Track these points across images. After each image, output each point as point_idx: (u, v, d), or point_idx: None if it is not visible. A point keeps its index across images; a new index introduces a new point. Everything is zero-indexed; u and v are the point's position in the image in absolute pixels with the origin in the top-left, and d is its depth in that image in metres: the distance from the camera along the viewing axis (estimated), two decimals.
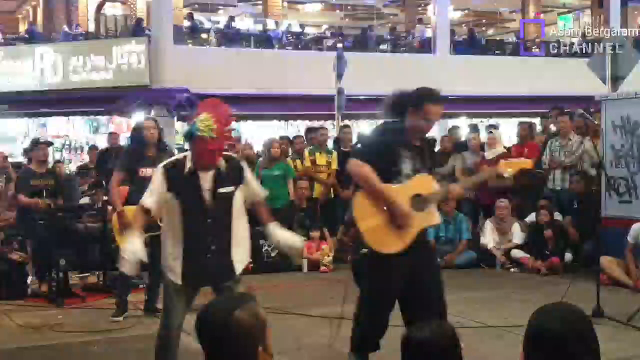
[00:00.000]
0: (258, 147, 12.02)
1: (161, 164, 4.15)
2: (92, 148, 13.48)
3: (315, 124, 16.26)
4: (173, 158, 4.26)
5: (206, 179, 4.04)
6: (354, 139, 11.91)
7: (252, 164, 10.09)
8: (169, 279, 4.09)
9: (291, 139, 11.26)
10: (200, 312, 2.11)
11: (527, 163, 4.75)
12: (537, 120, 11.95)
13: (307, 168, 9.74)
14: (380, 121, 4.45)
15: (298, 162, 9.83)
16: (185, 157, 4.10)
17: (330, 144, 10.71)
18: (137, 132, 6.58)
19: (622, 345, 5.11)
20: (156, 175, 4.10)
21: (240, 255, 4.20)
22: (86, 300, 7.10)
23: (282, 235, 4.40)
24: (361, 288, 4.51)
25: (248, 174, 4.28)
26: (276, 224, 4.42)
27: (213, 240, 4.07)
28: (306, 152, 9.85)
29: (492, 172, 4.86)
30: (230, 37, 18.82)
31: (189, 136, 3.97)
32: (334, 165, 9.79)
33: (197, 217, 4.03)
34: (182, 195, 4.03)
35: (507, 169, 4.56)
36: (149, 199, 4.07)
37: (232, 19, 20.36)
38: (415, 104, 4.19)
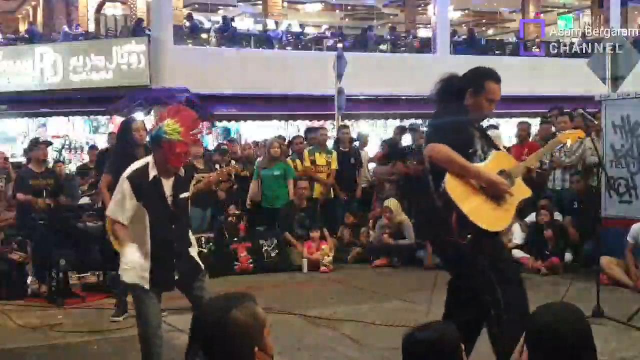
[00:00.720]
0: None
1: (125, 175, 4.17)
2: (92, 148, 13.48)
3: (315, 124, 16.30)
4: (134, 167, 4.21)
5: (168, 186, 4.17)
6: (361, 141, 11.98)
7: (251, 164, 10.11)
8: (138, 285, 4.14)
9: (290, 139, 11.28)
10: (196, 313, 2.11)
11: (580, 133, 4.76)
12: (537, 121, 11.94)
13: (306, 168, 9.74)
14: (438, 106, 4.24)
15: (298, 162, 9.83)
16: (147, 164, 4.14)
17: (330, 144, 10.71)
18: (124, 134, 6.49)
19: (622, 345, 5.11)
20: (123, 187, 4.11)
21: (195, 253, 4.43)
22: (86, 300, 7.10)
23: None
24: (469, 274, 4.20)
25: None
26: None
27: (178, 245, 4.24)
28: (306, 152, 9.85)
29: (556, 142, 4.80)
30: (230, 37, 18.80)
31: (156, 141, 4.03)
32: (334, 165, 9.80)
33: (164, 224, 4.15)
34: (148, 202, 4.11)
35: (567, 139, 4.62)
36: (119, 215, 4.10)
37: (231, 19, 20.30)
38: (475, 84, 4.11)
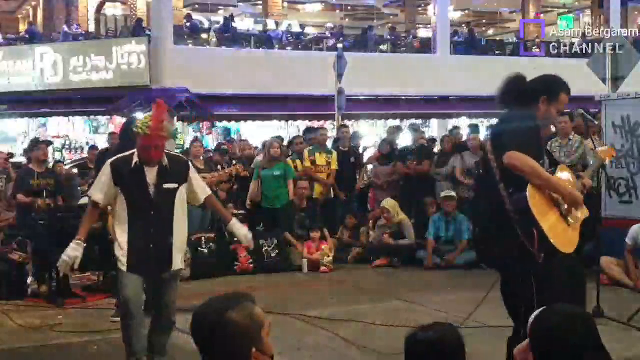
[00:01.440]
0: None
1: (109, 160, 4.50)
2: (92, 148, 13.48)
3: (315, 124, 16.30)
4: (120, 155, 4.53)
5: (151, 174, 4.39)
6: (355, 140, 11.98)
7: (251, 163, 10.11)
8: (118, 266, 4.44)
9: (290, 139, 11.29)
10: (195, 311, 2.12)
11: (611, 151, 4.83)
12: None
13: (306, 168, 9.74)
14: (508, 108, 4.12)
15: (298, 162, 9.83)
16: (132, 153, 4.43)
17: (329, 144, 10.71)
18: (126, 133, 6.51)
19: (622, 345, 5.10)
20: (104, 170, 4.45)
21: (179, 249, 4.53)
22: (86, 300, 7.10)
23: (239, 231, 4.77)
24: (542, 297, 3.85)
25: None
26: (236, 220, 4.88)
27: (155, 232, 4.40)
28: (305, 152, 9.86)
29: (599, 162, 4.76)
30: (230, 37, 18.80)
31: (127, 131, 4.42)
32: (334, 165, 9.80)
33: (142, 209, 4.39)
34: (128, 188, 4.38)
35: (607, 156, 4.68)
36: (97, 194, 4.45)
37: (231, 17, 20.26)
38: (550, 93, 4.01)
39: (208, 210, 8.96)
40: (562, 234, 3.80)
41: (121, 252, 4.41)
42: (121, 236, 4.42)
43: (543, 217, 3.70)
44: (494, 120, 16.54)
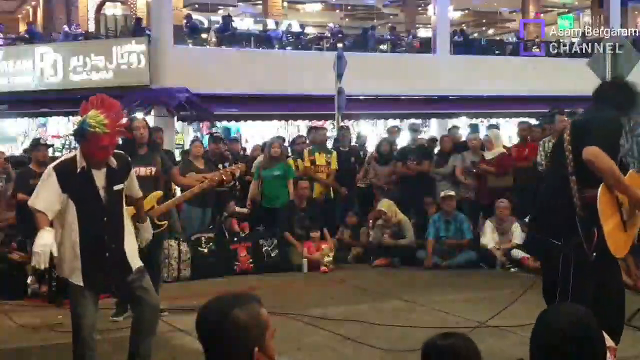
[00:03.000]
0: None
1: (50, 166, 4.13)
2: None
3: (316, 124, 16.29)
4: (62, 158, 4.21)
5: (100, 177, 4.09)
6: (359, 140, 12.01)
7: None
8: (72, 282, 4.06)
9: (291, 139, 11.30)
10: (202, 306, 2.14)
11: None
12: (536, 121, 11.95)
13: (306, 168, 9.75)
14: (602, 109, 4.08)
15: (299, 161, 9.85)
16: (75, 156, 4.08)
17: (330, 144, 10.72)
18: (128, 131, 6.51)
19: (622, 345, 5.09)
20: (48, 178, 4.02)
21: (131, 249, 4.24)
22: None
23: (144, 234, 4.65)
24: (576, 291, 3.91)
25: (132, 172, 4.39)
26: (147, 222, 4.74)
27: (110, 239, 4.11)
28: (306, 152, 9.87)
29: None
30: (230, 37, 18.79)
31: (81, 134, 3.96)
32: (334, 166, 9.80)
33: (94, 216, 4.05)
34: (77, 195, 4.01)
35: None
36: (41, 203, 3.97)
37: (229, 17, 20.22)
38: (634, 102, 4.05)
39: (208, 210, 8.99)
40: (619, 238, 3.84)
41: (74, 264, 4.02)
42: (73, 247, 4.02)
43: (607, 219, 3.74)
44: (494, 121, 16.45)
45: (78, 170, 4.02)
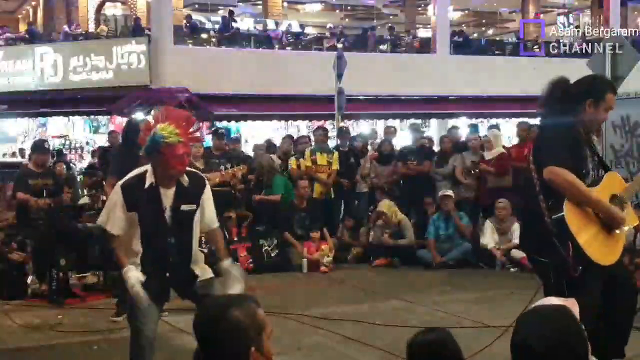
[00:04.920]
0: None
1: (119, 183, 3.93)
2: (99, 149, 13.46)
3: (316, 124, 16.30)
4: (131, 174, 3.96)
5: (168, 196, 3.84)
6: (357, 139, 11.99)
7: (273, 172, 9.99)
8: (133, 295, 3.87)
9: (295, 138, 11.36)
10: (197, 309, 2.15)
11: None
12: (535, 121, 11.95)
13: (307, 168, 9.76)
14: (551, 115, 4.04)
15: (302, 161, 9.88)
16: (145, 171, 3.86)
17: (331, 144, 10.74)
18: (129, 134, 6.50)
19: None
20: (115, 196, 3.88)
21: (200, 271, 4.00)
22: (86, 300, 7.11)
23: (233, 276, 3.96)
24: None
25: (208, 197, 4.01)
26: (231, 261, 4.07)
27: (173, 261, 3.88)
28: (307, 152, 9.88)
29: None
30: (230, 37, 18.79)
31: (154, 148, 3.74)
32: (335, 166, 9.81)
33: (157, 236, 3.85)
34: (141, 212, 3.82)
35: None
36: (114, 227, 3.85)
37: (231, 14, 20.16)
38: (596, 95, 3.91)
39: None
40: (602, 245, 3.78)
41: (137, 281, 3.81)
42: (134, 264, 3.85)
43: (581, 230, 3.70)
44: (494, 121, 16.47)
45: (146, 186, 3.82)
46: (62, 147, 17.65)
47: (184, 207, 3.86)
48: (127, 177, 3.94)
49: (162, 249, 3.85)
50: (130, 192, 3.83)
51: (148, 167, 3.87)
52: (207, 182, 4.05)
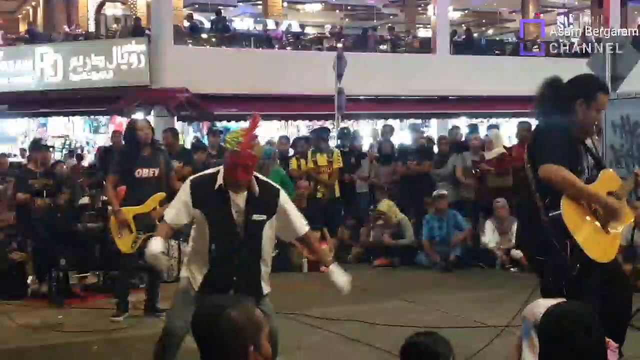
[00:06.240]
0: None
1: (189, 178, 3.96)
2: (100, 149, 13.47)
3: (316, 124, 16.30)
4: (205, 172, 4.00)
5: (238, 201, 3.79)
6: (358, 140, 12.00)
7: (285, 160, 10.08)
8: (186, 285, 3.89)
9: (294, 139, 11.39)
10: (196, 309, 2.16)
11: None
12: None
13: (309, 168, 9.77)
14: (545, 115, 4.08)
15: (302, 161, 9.88)
16: (217, 171, 3.85)
17: (332, 144, 10.75)
18: (131, 133, 6.52)
19: (622, 345, 5.10)
20: (183, 189, 3.89)
21: (265, 288, 3.98)
22: (86, 300, 7.11)
23: (339, 278, 4.06)
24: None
25: (287, 204, 3.96)
26: (336, 265, 4.06)
27: (240, 267, 3.82)
28: (309, 153, 9.91)
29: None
30: (230, 37, 18.80)
31: (222, 151, 3.80)
32: (336, 165, 9.82)
33: (226, 241, 3.79)
34: (210, 212, 3.79)
35: None
36: (169, 215, 3.88)
37: (219, 13, 20.11)
38: (587, 95, 3.91)
39: None
40: (599, 243, 3.78)
41: (198, 275, 3.84)
42: (200, 262, 3.84)
43: (578, 228, 3.70)
44: (494, 121, 16.49)
45: (216, 187, 3.78)
46: (62, 147, 17.67)
47: (254, 217, 3.80)
48: (198, 175, 3.97)
49: (229, 252, 3.79)
50: (199, 188, 3.82)
51: (220, 168, 3.85)
52: (282, 191, 3.99)
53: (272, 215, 3.86)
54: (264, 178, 3.98)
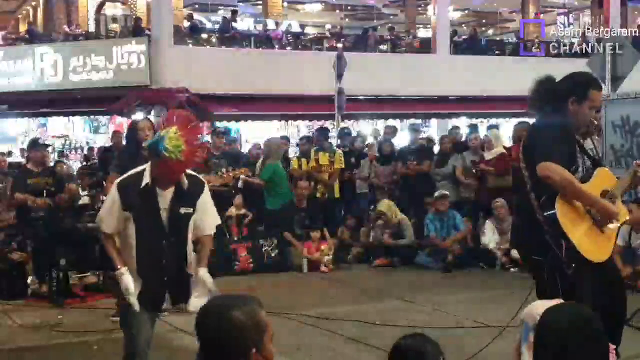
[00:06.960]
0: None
1: (117, 181, 3.85)
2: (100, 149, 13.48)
3: (316, 124, 16.31)
4: (129, 172, 3.85)
5: (165, 197, 3.72)
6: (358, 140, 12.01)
7: (286, 160, 10.07)
8: (127, 301, 3.77)
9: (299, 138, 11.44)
10: (200, 309, 2.15)
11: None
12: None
13: (309, 168, 9.78)
14: (540, 114, 4.08)
15: (304, 161, 9.89)
16: (143, 170, 3.76)
17: (332, 143, 10.76)
18: (132, 133, 6.52)
19: (622, 345, 5.10)
20: (111, 195, 3.81)
21: (198, 275, 3.85)
22: (86, 300, 7.11)
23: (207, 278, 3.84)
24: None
25: (208, 200, 3.89)
26: (206, 271, 3.88)
27: (169, 264, 3.78)
28: (312, 152, 9.92)
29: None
30: (230, 37, 18.79)
31: (155, 152, 3.58)
32: (338, 165, 9.82)
33: (152, 238, 3.73)
34: (136, 212, 3.70)
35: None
36: (107, 225, 3.80)
37: (234, 14, 20.17)
38: (579, 93, 3.91)
39: None
40: (594, 242, 3.79)
41: (130, 285, 3.73)
42: (130, 267, 3.76)
43: (573, 228, 3.70)
44: (494, 121, 16.46)
45: (142, 185, 3.71)
46: (62, 147, 17.67)
47: (182, 210, 3.76)
48: (125, 176, 3.89)
49: (157, 250, 3.74)
50: (127, 190, 3.74)
51: (147, 166, 3.77)
52: (206, 185, 3.94)
53: (194, 206, 3.81)
54: (192, 172, 3.89)
